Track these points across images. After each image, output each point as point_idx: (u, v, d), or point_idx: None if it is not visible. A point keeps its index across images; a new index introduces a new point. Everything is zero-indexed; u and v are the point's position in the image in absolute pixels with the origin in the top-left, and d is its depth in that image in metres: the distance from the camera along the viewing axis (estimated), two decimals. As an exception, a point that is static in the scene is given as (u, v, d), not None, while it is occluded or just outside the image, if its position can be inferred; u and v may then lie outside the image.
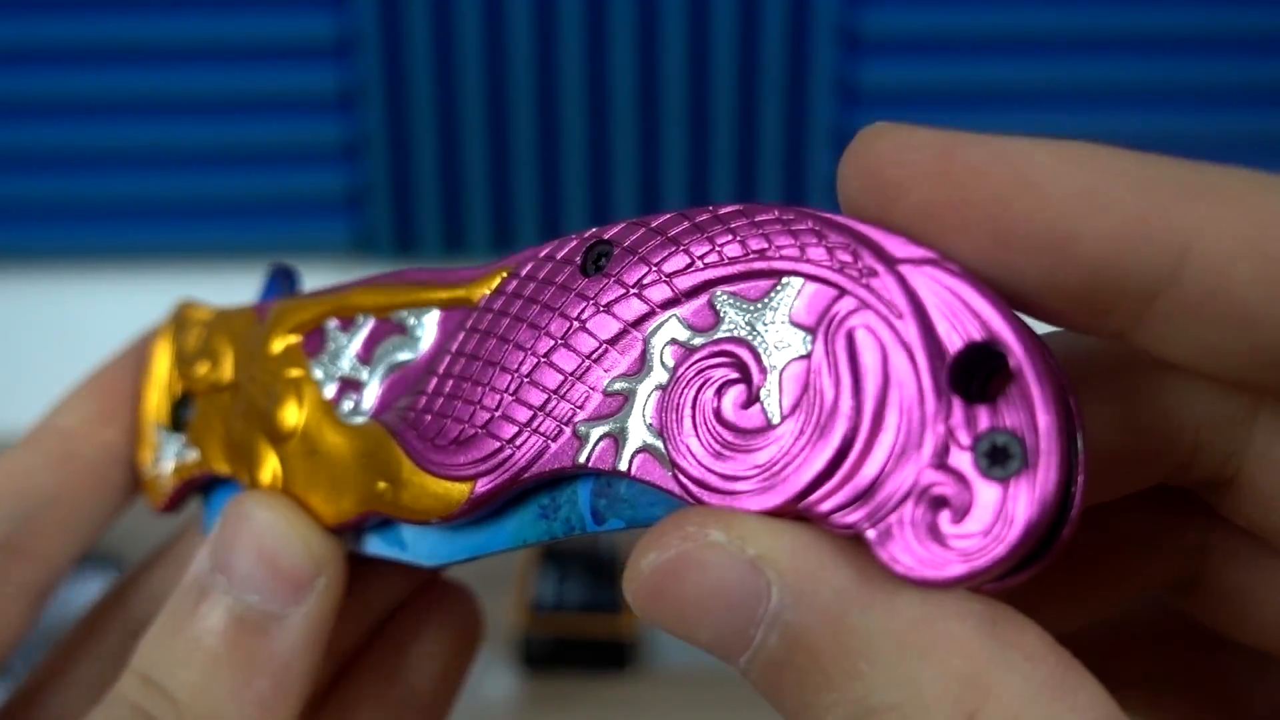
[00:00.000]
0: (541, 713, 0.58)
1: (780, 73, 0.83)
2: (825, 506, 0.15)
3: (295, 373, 0.23)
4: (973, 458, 0.14)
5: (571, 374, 0.18)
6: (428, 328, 0.21)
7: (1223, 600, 0.20)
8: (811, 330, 0.15)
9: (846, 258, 0.15)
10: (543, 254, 0.19)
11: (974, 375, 0.14)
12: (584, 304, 0.18)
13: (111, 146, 0.83)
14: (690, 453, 0.16)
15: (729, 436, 0.16)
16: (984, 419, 0.14)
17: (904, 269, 0.15)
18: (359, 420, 0.22)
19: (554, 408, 0.18)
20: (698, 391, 0.16)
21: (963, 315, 0.14)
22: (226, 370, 0.25)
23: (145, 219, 0.84)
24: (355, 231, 0.85)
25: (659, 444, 0.16)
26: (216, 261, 0.85)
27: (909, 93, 0.84)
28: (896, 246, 0.15)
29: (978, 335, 0.14)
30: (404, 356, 0.21)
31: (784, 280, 0.16)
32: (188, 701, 0.20)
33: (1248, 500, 0.18)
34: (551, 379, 0.18)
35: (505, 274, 0.19)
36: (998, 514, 0.14)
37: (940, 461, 0.14)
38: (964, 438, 0.14)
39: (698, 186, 0.85)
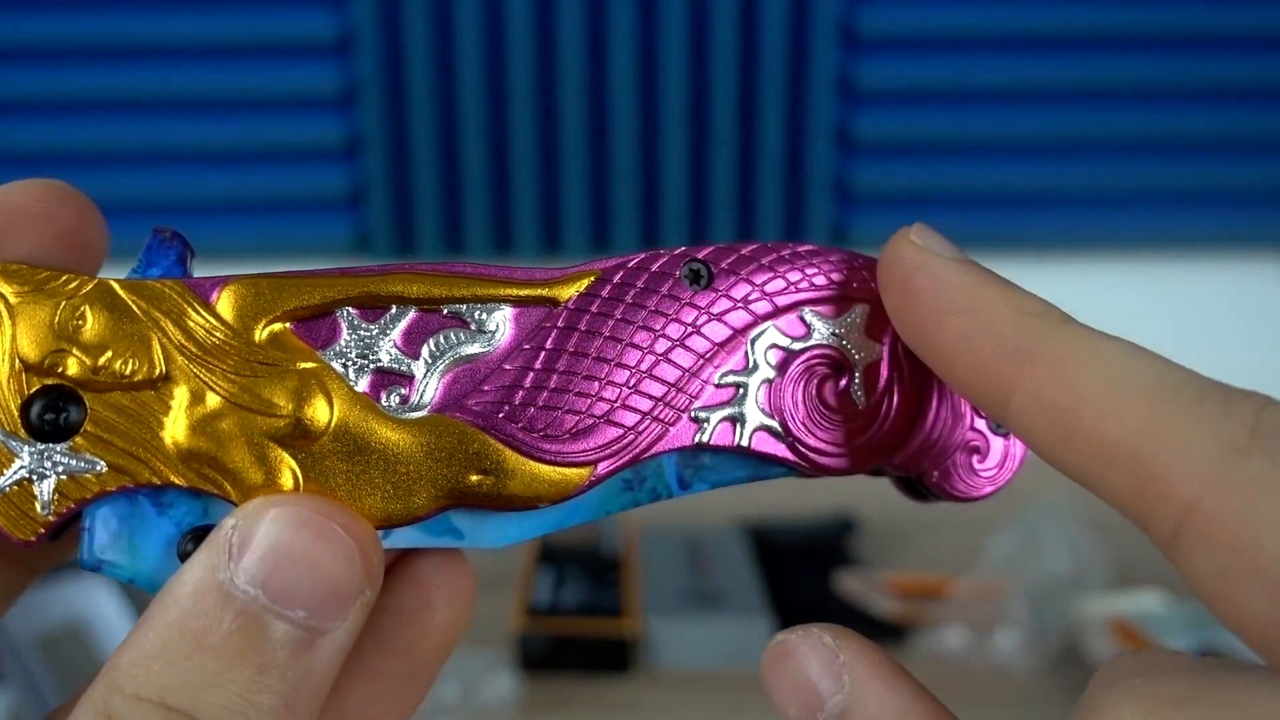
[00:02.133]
0: (540, 714, 0.58)
1: (780, 72, 0.83)
2: (901, 459, 0.22)
3: (307, 364, 0.21)
4: (986, 422, 0.22)
5: (688, 370, 0.22)
6: (501, 324, 0.21)
7: None
8: (881, 342, 0.22)
9: None
10: (632, 264, 0.22)
11: None
12: (697, 313, 0.22)
13: (111, 146, 0.83)
14: (806, 428, 0.22)
15: (833, 416, 0.22)
16: None
17: None
18: (415, 414, 0.21)
19: (673, 398, 0.22)
20: (805, 383, 0.22)
21: None
22: (152, 360, 0.21)
23: (143, 218, 0.84)
24: (355, 230, 0.85)
25: (774, 423, 0.22)
26: (215, 261, 0.85)
27: (909, 92, 0.84)
28: None
29: None
30: (471, 350, 0.21)
31: (856, 306, 0.22)
32: None
33: None
34: (670, 373, 0.22)
35: (594, 278, 0.22)
36: (1005, 455, 0.22)
37: (972, 425, 0.22)
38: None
39: (698, 185, 0.85)
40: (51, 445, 0.20)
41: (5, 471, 0.20)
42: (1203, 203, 0.85)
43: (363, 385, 0.21)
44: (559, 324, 0.21)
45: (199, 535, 0.21)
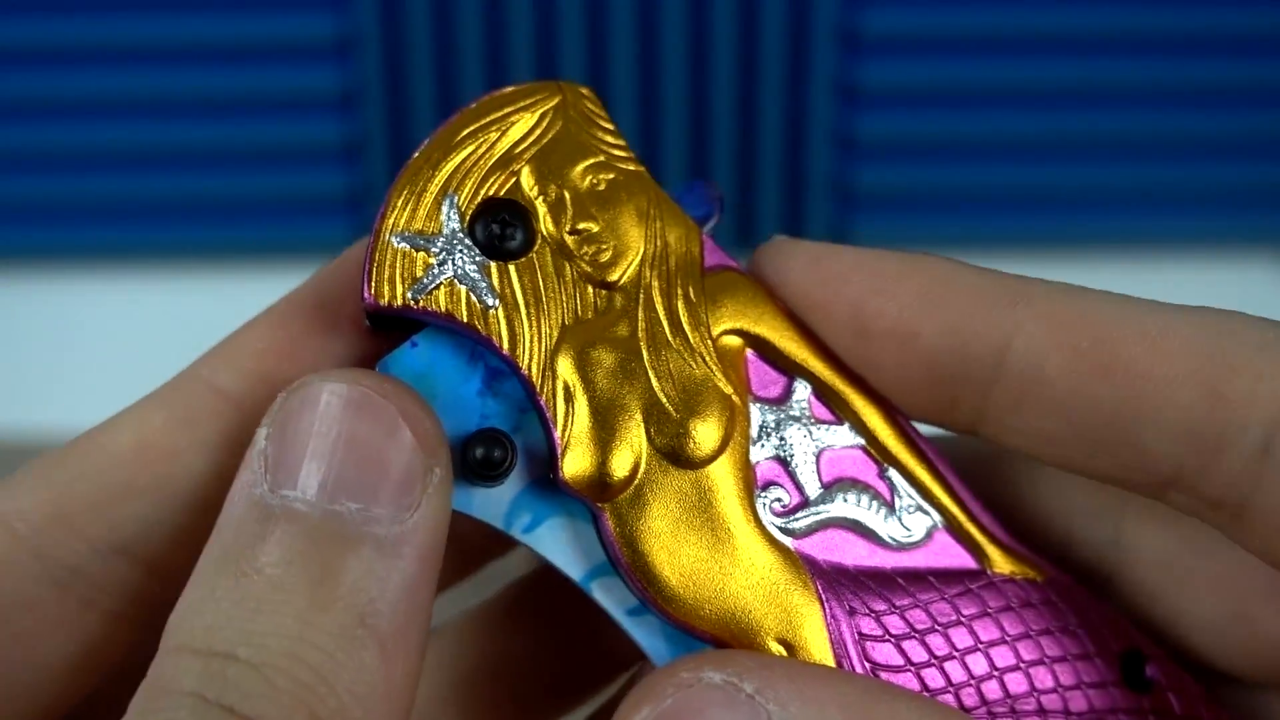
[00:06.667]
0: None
1: (780, 73, 0.82)
2: None
3: (730, 389, 0.18)
4: None
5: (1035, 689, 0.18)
6: (921, 533, 0.18)
7: None
8: None
9: None
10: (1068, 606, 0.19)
11: None
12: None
13: (111, 146, 0.83)
14: None
15: None
16: None
17: None
18: (784, 539, 0.18)
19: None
20: None
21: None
22: (622, 265, 0.18)
23: (144, 219, 0.84)
24: (354, 232, 0.85)
25: None
26: (215, 262, 0.85)
27: (909, 93, 0.84)
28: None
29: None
30: (874, 528, 0.18)
31: None
32: (274, 663, 0.14)
33: (1127, 594, 0.19)
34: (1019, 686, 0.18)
35: (1040, 577, 0.18)
36: None
37: None
38: None
39: (698, 187, 0.85)
40: (474, 248, 0.18)
41: (431, 239, 0.17)
42: (1203, 203, 0.85)
43: (756, 455, 0.18)
44: (974, 587, 0.18)
45: (486, 440, 0.18)
